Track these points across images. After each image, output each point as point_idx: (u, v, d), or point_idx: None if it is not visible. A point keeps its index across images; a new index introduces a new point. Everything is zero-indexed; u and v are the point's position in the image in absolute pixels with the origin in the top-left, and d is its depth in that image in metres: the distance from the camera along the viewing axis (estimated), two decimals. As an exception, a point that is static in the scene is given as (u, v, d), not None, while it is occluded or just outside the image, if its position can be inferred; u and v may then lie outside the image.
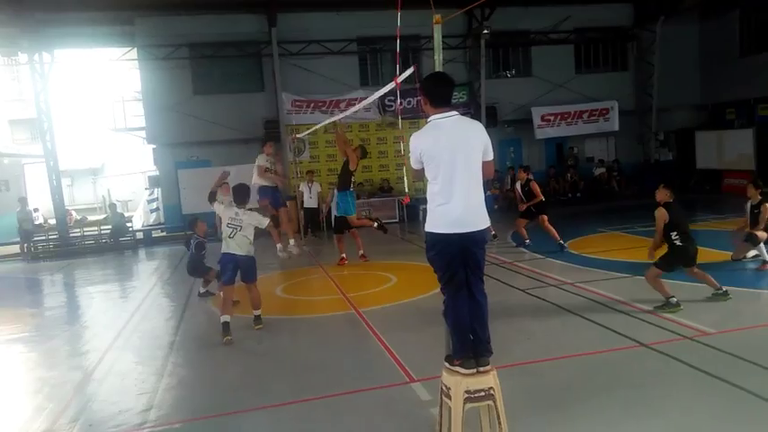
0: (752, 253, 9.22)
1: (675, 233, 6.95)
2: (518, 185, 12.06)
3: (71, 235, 18.52)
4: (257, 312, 7.59)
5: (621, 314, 6.91)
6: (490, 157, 4.58)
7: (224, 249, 7.31)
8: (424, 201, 11.78)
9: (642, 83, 21.42)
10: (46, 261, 16.67)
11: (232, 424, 4.99)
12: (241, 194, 7.49)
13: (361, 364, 6.08)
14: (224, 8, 18.13)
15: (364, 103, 12.37)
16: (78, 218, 22.09)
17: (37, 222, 19.43)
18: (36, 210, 21.12)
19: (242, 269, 7.34)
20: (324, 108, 18.58)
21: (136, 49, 18.62)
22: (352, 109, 13.50)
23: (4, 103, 33.00)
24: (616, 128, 20.71)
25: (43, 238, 18.28)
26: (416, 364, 5.70)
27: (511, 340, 6.18)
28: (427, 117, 4.54)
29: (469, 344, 4.74)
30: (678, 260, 7.07)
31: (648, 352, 5.63)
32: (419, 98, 16.75)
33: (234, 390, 5.68)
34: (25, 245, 17.33)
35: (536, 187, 11.67)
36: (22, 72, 28.45)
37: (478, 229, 4.51)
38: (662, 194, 7.19)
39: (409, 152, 4.62)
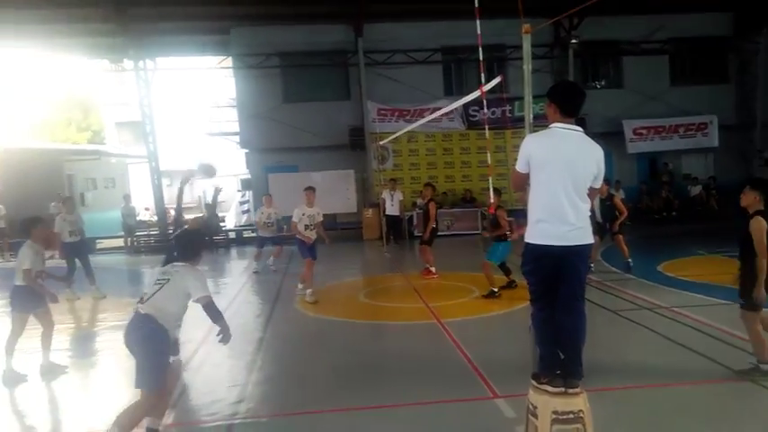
0: None
1: None
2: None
3: (170, 231, 19.62)
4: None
5: (721, 343, 6.53)
6: (599, 185, 4.48)
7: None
8: (508, 214, 11.38)
9: (745, 96, 20.18)
10: (147, 255, 17.79)
11: (316, 422, 5.12)
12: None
13: (444, 374, 6.08)
14: (313, 19, 18.73)
15: (446, 109, 12.37)
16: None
17: (139, 218, 20.84)
18: (147, 209, 22.64)
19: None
20: (408, 117, 18.78)
21: (231, 57, 19.60)
22: (432, 116, 13.55)
23: (111, 107, 35.55)
24: (716, 144, 19.64)
25: (144, 233, 19.54)
26: (500, 379, 5.65)
27: (599, 363, 5.98)
28: (549, 124, 4.42)
29: (558, 361, 4.65)
30: None
31: (751, 386, 5.29)
32: (504, 108, 16.62)
33: (318, 389, 5.85)
34: (128, 239, 18.61)
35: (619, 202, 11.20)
36: (127, 78, 30.53)
37: (583, 243, 4.42)
38: (748, 198, 5.45)
39: (517, 155, 4.57)
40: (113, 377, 6.67)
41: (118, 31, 18.10)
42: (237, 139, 20.69)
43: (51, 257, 9.67)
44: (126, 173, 26.66)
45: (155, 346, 4.40)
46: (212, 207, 9.40)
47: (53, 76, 30.77)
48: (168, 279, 4.67)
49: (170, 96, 31.33)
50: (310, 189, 10.08)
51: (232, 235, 19.80)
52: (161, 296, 4.57)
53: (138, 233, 19.23)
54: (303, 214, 9.81)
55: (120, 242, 18.84)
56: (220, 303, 9.82)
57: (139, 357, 4.41)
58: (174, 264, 4.89)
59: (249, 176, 20.91)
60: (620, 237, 10.89)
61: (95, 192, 23.49)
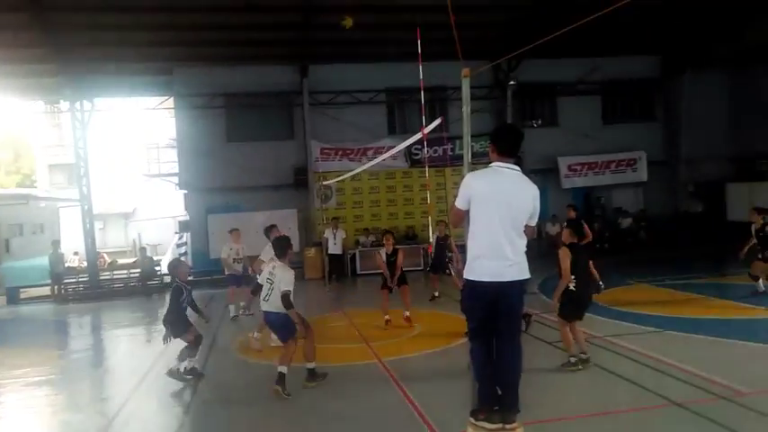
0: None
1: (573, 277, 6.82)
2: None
3: (101, 278, 18.83)
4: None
5: (652, 370, 6.69)
6: (534, 222, 4.63)
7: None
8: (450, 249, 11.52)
9: (671, 134, 21.34)
10: (75, 303, 16.93)
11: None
12: (282, 247, 7.01)
13: (383, 416, 5.97)
14: (259, 60, 18.76)
15: (391, 152, 12.58)
16: (109, 261, 22.51)
17: (69, 265, 19.84)
18: (76, 253, 21.64)
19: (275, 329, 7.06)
20: (352, 156, 18.88)
21: (173, 97, 19.32)
22: (381, 158, 13.67)
23: (44, 149, 34.32)
24: (645, 178, 20.59)
25: (74, 280, 18.62)
26: (441, 417, 5.58)
27: (537, 395, 6.01)
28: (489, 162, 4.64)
29: (495, 396, 4.65)
30: (573, 307, 6.92)
31: (680, 411, 5.42)
32: (445, 147, 17.03)
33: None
34: (56, 287, 17.68)
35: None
36: (62, 119, 29.64)
37: (519, 279, 4.50)
38: (565, 235, 7.14)
39: (456, 192, 4.65)
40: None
41: (56, 72, 17.63)
42: (176, 179, 20.23)
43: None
44: (57, 217, 25.55)
45: (287, 326, 6.71)
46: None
47: (-18, 118, 29.59)
48: (274, 276, 6.72)
49: (107, 137, 30.57)
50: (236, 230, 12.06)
51: (168, 279, 19.10)
52: (274, 296, 6.65)
53: (66, 280, 18.26)
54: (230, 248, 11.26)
55: (47, 290, 17.86)
56: (153, 352, 9.54)
57: (279, 333, 6.94)
58: (275, 264, 6.88)
59: (187, 218, 20.38)
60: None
61: (21, 238, 22.37)
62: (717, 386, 5.94)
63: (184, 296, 7.68)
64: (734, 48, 19.64)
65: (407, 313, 9.98)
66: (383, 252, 10.42)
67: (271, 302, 6.75)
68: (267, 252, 8.96)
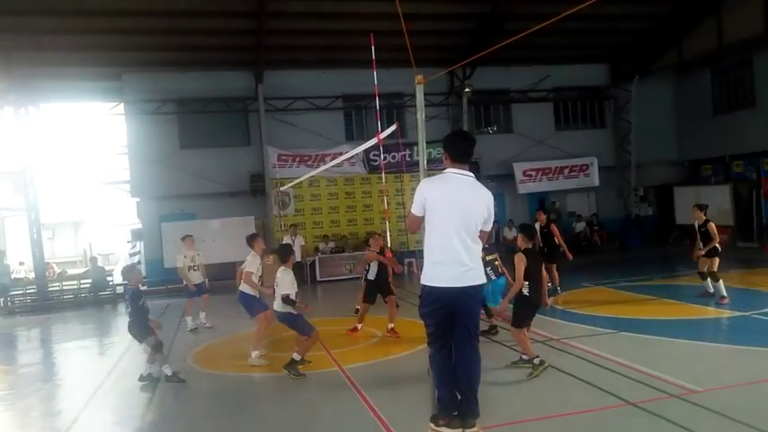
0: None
1: (527, 283, 6.94)
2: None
3: (50, 289, 18.13)
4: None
5: (607, 371, 6.86)
6: (489, 227, 4.68)
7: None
8: (409, 255, 11.91)
9: (621, 140, 22.05)
10: (23, 316, 16.25)
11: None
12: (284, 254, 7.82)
13: (345, 424, 5.93)
14: (212, 65, 18.50)
15: (346, 156, 12.52)
16: (59, 271, 21.71)
17: (17, 276, 19.03)
18: (22, 263, 20.76)
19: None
20: (309, 162, 18.77)
21: (123, 103, 18.82)
22: (336, 161, 13.65)
23: (-13, 155, 32.83)
24: (596, 183, 21.16)
25: (21, 292, 17.87)
26: (401, 424, 5.57)
27: (495, 399, 6.09)
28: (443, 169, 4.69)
29: (455, 401, 4.68)
30: (528, 311, 7.09)
31: (635, 411, 5.56)
32: (402, 153, 17.08)
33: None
34: (1, 299, 16.93)
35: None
36: (7, 124, 28.50)
37: (475, 284, 4.54)
38: (520, 240, 7.26)
39: (413, 198, 4.67)
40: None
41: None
42: (128, 187, 19.69)
43: None
44: (2, 226, 24.52)
45: (296, 322, 7.54)
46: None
47: None
48: (278, 280, 7.48)
49: (56, 144, 29.55)
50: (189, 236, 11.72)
51: (120, 289, 18.53)
52: (278, 298, 7.45)
53: (12, 292, 17.50)
54: (185, 256, 10.99)
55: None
56: (106, 364, 9.23)
57: (294, 327, 7.62)
58: (280, 268, 7.59)
59: (140, 226, 19.85)
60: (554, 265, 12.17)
61: (-37, 248, 21.34)
62: (670, 385, 6.13)
63: (143, 300, 7.79)
64: (677, 57, 20.46)
65: (392, 325, 9.49)
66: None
67: (276, 303, 7.55)
68: (251, 261, 8.82)
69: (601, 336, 8.67)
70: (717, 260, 10.44)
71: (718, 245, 10.45)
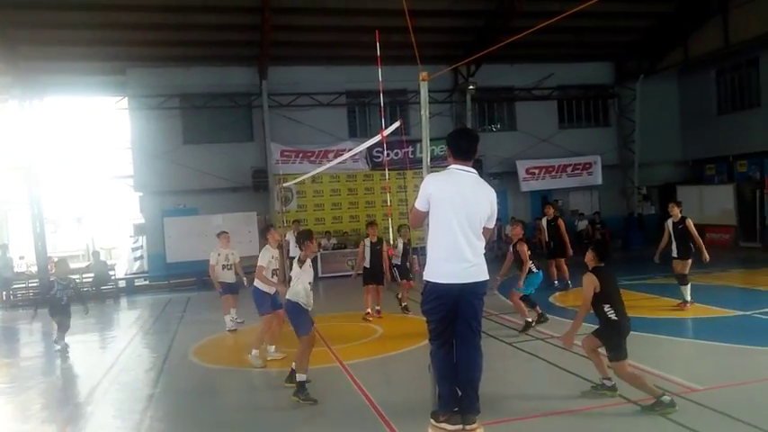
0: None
1: (608, 305, 5.76)
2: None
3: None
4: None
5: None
6: (492, 224, 4.69)
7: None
8: (411, 251, 11.75)
9: (624, 138, 21.98)
10: (25, 309, 16.28)
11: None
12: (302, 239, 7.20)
13: (345, 418, 5.94)
14: (216, 61, 18.48)
15: (350, 154, 12.53)
16: (61, 265, 21.72)
17: (19, 270, 19.06)
18: (22, 257, 20.81)
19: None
20: (312, 158, 18.76)
21: (127, 98, 18.83)
22: (339, 159, 13.65)
23: (-9, 149, 32.85)
24: (599, 182, 21.11)
25: (23, 285, 17.91)
26: (402, 419, 5.57)
27: (497, 395, 6.08)
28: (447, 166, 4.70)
29: (455, 397, 4.67)
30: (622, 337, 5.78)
31: (636, 409, 5.56)
32: (405, 150, 17.12)
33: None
34: (3, 293, 16.97)
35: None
36: (10, 118, 28.53)
37: (478, 280, 4.54)
38: (588, 257, 6.00)
39: (417, 193, 4.68)
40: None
41: (5, 70, 16.98)
42: (131, 182, 19.71)
43: None
44: (5, 220, 24.55)
45: (297, 315, 6.67)
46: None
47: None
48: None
49: (61, 138, 29.54)
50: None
51: (122, 284, 18.58)
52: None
53: (15, 286, 17.54)
54: (219, 254, 10.46)
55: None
56: (107, 358, 9.26)
57: (292, 321, 6.78)
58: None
59: (143, 221, 19.88)
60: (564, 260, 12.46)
61: (-32, 242, 21.35)
62: (671, 384, 6.11)
63: (55, 289, 9.88)
64: (682, 55, 20.38)
65: (378, 308, 10.77)
66: (367, 241, 10.56)
67: (288, 292, 6.75)
68: (263, 255, 8.57)
69: (602, 334, 8.63)
70: (689, 262, 9.80)
71: (692, 244, 9.79)
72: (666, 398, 5.40)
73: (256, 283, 8.32)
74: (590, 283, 5.71)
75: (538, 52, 19.67)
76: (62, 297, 9.94)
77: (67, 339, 9.98)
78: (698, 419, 5.19)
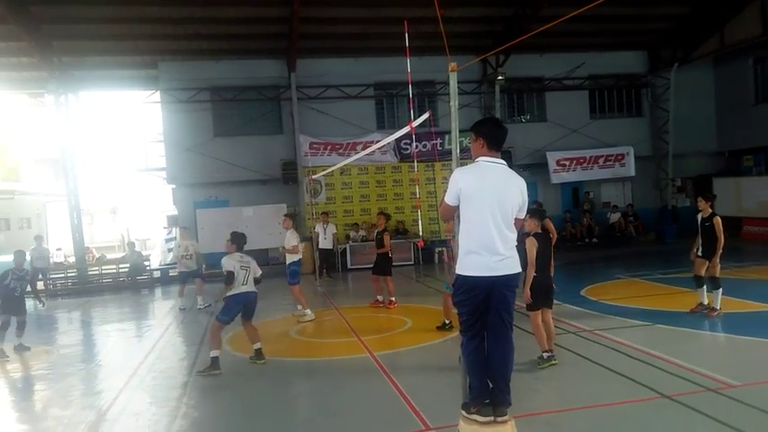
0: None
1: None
2: None
3: (89, 273, 18.69)
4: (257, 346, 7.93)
5: (641, 363, 6.75)
6: (523, 215, 4.68)
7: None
8: (440, 243, 11.93)
9: (658, 129, 21.52)
10: (64, 298, 16.79)
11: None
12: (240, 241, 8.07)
13: (376, 410, 5.98)
14: (245, 54, 18.65)
15: (378, 145, 12.54)
16: (98, 256, 22.32)
17: (57, 260, 19.63)
18: (59, 249, 21.43)
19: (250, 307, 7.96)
20: (341, 150, 18.85)
21: (159, 91, 19.16)
22: (367, 150, 13.68)
23: (30, 143, 33.89)
24: (632, 173, 20.73)
25: (62, 275, 18.45)
26: (432, 411, 5.60)
27: (528, 389, 6.07)
28: (475, 158, 4.67)
29: (486, 389, 4.68)
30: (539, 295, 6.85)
31: (670, 404, 5.48)
32: (434, 142, 17.17)
33: (247, 434, 5.60)
34: (41, 282, 17.45)
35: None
36: (48, 112, 29.30)
37: (510, 272, 4.53)
38: (529, 224, 6.94)
39: (447, 187, 4.68)
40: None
41: (40, 65, 17.43)
42: (164, 174, 20.08)
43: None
44: (44, 212, 25.27)
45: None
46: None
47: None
48: (249, 264, 7.75)
49: (95, 131, 30.28)
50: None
51: (157, 274, 18.99)
52: (251, 278, 7.73)
53: (53, 275, 18.07)
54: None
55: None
56: (143, 347, 9.49)
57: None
58: (243, 255, 7.84)
59: (176, 213, 20.26)
60: None
61: (8, 233, 22.07)
62: (706, 379, 6.02)
63: (8, 279, 9.62)
64: (718, 43, 19.82)
65: (393, 298, 11.04)
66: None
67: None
68: (289, 239, 10.77)
69: (635, 328, 8.54)
70: (717, 262, 8.72)
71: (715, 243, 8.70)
72: (546, 354, 6.81)
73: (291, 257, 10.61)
74: (531, 245, 6.83)
75: (568, 41, 19.36)
76: (16, 288, 9.73)
77: (107, 327, 10.23)
78: (734, 416, 5.09)
